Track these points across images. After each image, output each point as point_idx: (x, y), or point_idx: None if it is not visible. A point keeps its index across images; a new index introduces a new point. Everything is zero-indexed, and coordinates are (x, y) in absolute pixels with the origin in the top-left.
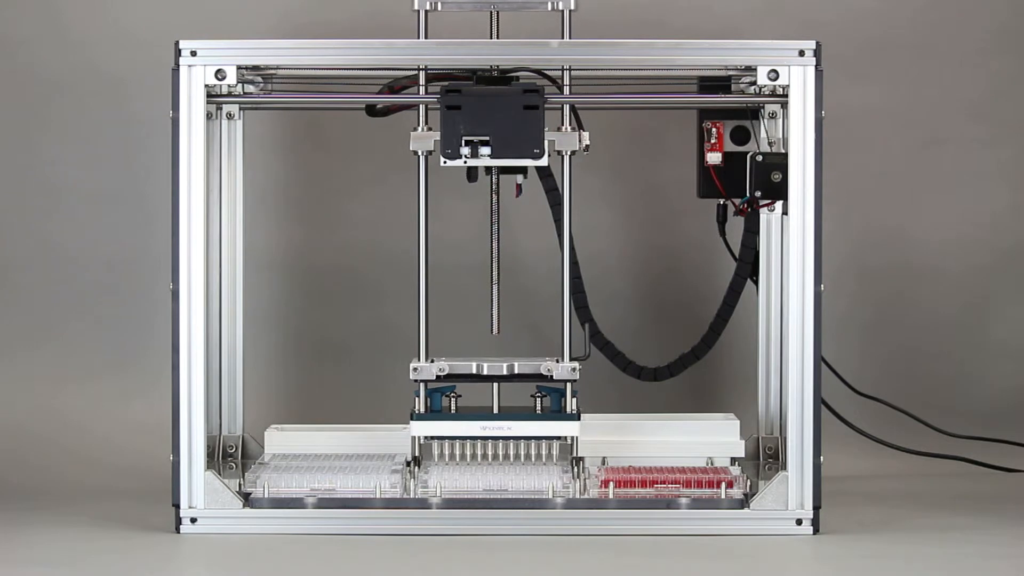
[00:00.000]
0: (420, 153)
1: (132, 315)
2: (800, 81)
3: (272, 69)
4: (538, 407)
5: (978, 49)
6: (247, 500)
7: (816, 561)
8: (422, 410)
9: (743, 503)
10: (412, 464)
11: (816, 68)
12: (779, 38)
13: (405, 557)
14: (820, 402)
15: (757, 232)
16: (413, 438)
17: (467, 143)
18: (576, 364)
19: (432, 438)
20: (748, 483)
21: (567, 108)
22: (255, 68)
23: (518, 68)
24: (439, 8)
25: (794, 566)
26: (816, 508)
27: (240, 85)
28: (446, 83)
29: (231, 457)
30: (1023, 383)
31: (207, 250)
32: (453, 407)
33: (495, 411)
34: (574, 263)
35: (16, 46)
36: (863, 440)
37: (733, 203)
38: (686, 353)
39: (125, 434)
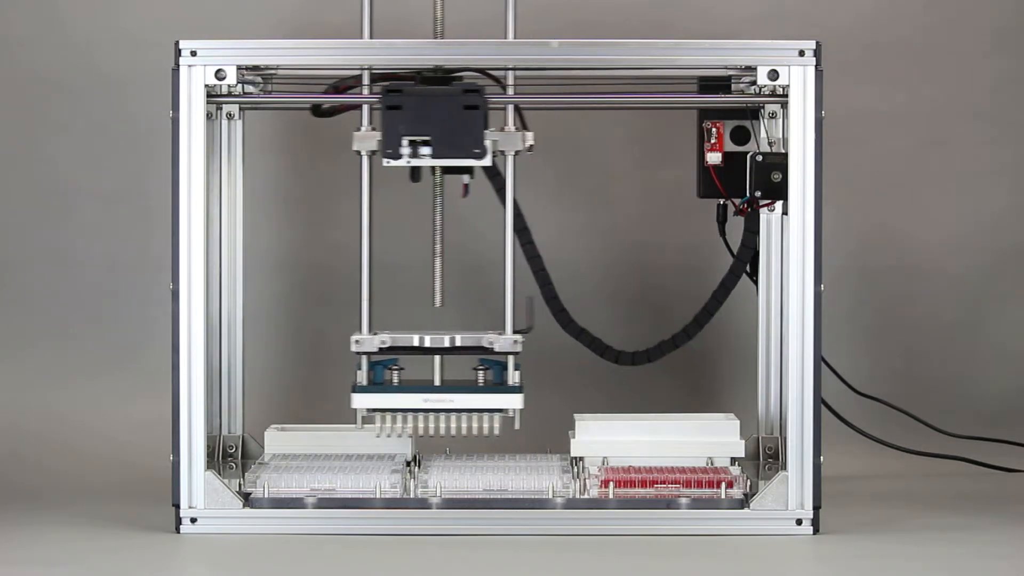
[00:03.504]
0: (363, 153)
1: (132, 315)
2: (800, 81)
3: (272, 69)
4: (481, 380)
5: (978, 49)
6: (247, 500)
7: (816, 561)
8: (364, 383)
9: (743, 503)
10: (412, 464)
11: (816, 68)
12: (779, 38)
13: (405, 557)
14: (820, 402)
15: (757, 232)
16: (354, 410)
17: (407, 143)
18: (518, 336)
19: (373, 411)
20: (748, 483)
21: (511, 108)
22: (255, 68)
23: (503, 67)
24: None
25: (794, 566)
26: (816, 508)
27: (240, 85)
28: (387, 83)
29: (231, 457)
30: (1023, 383)
31: (207, 250)
32: (396, 380)
33: (437, 384)
34: (535, 255)
35: (16, 46)
36: (863, 440)
37: (733, 203)
38: (665, 340)
39: (125, 434)
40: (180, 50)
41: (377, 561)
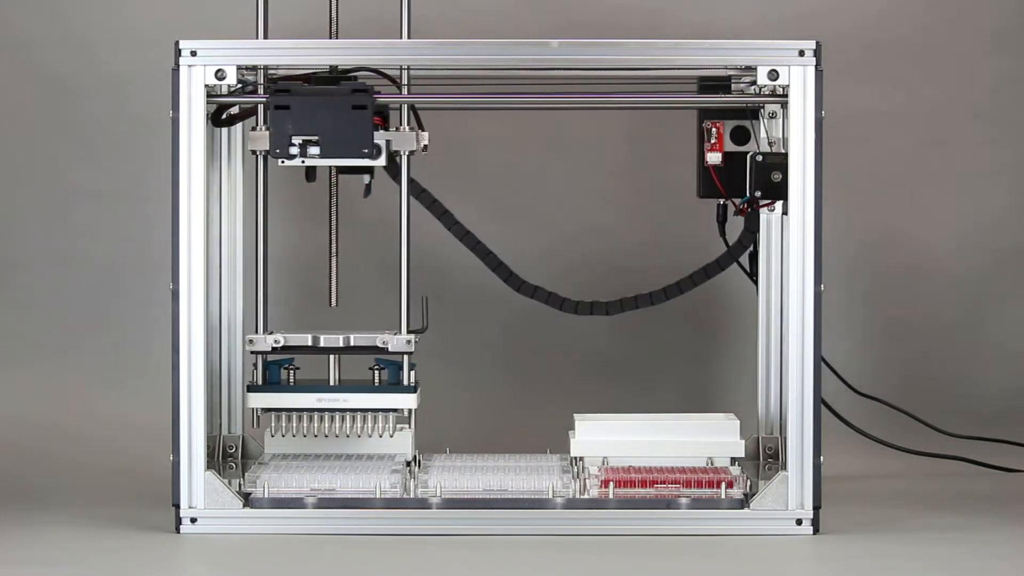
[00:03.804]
0: (258, 153)
1: (132, 316)
2: (800, 81)
3: (272, 69)
4: (376, 379)
5: (978, 49)
6: (247, 500)
7: (816, 561)
8: (259, 382)
9: (743, 503)
10: (412, 464)
11: (816, 68)
12: (779, 38)
13: (405, 557)
14: (820, 402)
15: (757, 231)
16: (251, 410)
17: (296, 142)
18: (412, 336)
19: (268, 410)
20: (748, 483)
21: (405, 108)
22: (255, 68)
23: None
24: None
25: (794, 566)
26: (816, 508)
27: (240, 85)
28: (275, 84)
29: (231, 457)
30: (1023, 383)
31: (207, 250)
32: (292, 379)
33: (332, 383)
34: (466, 233)
35: (17, 45)
36: (863, 440)
37: (733, 203)
38: (627, 297)
39: (125, 434)
40: (180, 50)
41: (377, 561)
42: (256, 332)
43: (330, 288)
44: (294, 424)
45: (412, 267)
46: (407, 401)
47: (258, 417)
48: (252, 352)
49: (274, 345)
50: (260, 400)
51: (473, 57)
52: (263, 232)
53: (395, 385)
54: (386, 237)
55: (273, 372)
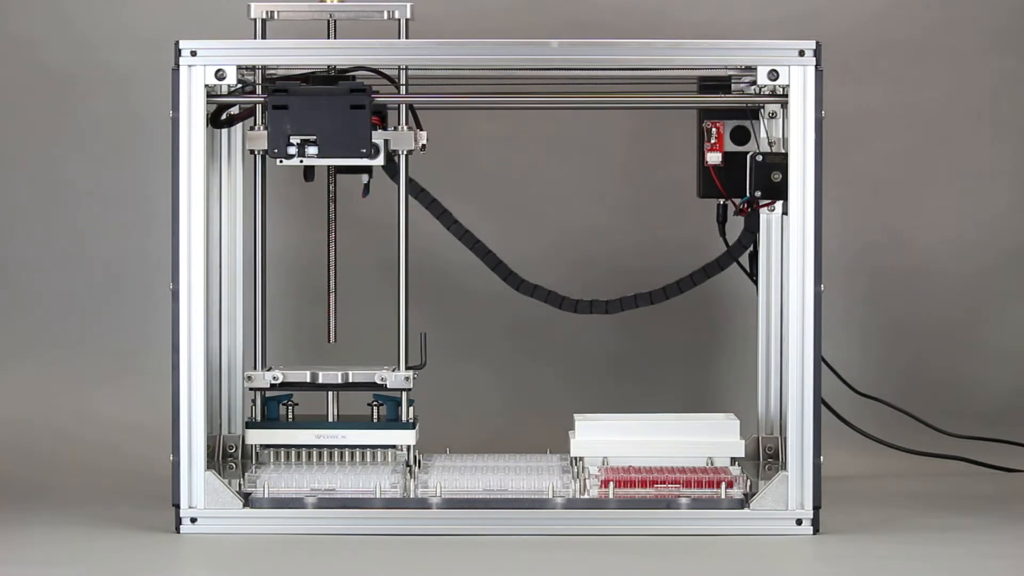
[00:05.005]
0: (256, 152)
1: (132, 315)
2: (800, 81)
3: (271, 69)
4: (375, 416)
5: (978, 49)
6: (247, 500)
7: (816, 561)
8: (258, 418)
9: (743, 503)
10: (412, 464)
11: (816, 68)
12: (779, 38)
13: (405, 557)
14: (820, 402)
15: (757, 231)
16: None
17: (294, 142)
18: (410, 373)
19: (267, 447)
20: (748, 483)
21: (403, 107)
22: (254, 68)
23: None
24: (276, 17)
25: (794, 566)
26: (816, 508)
27: (240, 85)
28: (274, 83)
29: (231, 457)
30: (1023, 383)
31: (207, 250)
32: (290, 415)
33: (330, 420)
34: (465, 232)
35: (20, 45)
36: (863, 440)
37: (733, 203)
38: (627, 296)
39: (125, 434)
40: (180, 50)
41: (377, 561)
42: (255, 368)
43: (328, 324)
44: (292, 459)
45: (411, 267)
46: (406, 438)
47: (258, 453)
48: (251, 389)
49: (272, 382)
50: (259, 436)
51: (472, 57)
52: (261, 233)
53: (394, 421)
54: (385, 236)
55: (272, 408)
